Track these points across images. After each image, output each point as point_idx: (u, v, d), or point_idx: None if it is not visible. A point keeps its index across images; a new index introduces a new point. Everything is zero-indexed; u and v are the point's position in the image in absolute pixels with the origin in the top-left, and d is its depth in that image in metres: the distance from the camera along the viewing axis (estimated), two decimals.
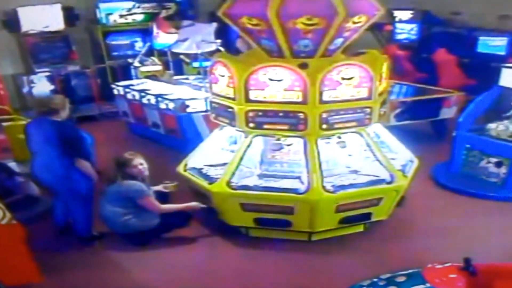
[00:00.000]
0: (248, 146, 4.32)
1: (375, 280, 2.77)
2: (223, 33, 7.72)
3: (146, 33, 9.21)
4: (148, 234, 4.38)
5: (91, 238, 4.55)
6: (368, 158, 4.51)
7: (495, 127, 5.41)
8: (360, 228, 4.52)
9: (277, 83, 4.05)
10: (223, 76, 4.30)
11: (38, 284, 3.77)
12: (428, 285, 2.57)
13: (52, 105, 4.35)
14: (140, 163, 4.42)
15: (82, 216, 4.48)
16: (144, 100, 7.07)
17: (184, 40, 7.60)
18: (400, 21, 10.24)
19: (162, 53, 8.71)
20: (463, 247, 4.03)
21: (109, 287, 3.91)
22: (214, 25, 7.55)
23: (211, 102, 4.64)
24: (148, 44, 8.73)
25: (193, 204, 4.48)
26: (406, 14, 10.24)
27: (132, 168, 4.37)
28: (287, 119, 4.13)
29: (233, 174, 4.29)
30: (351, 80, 4.08)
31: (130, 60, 9.02)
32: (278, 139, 4.39)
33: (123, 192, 4.31)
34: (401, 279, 2.70)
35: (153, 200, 4.37)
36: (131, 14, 9.74)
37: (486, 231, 4.53)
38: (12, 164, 5.68)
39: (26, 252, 3.79)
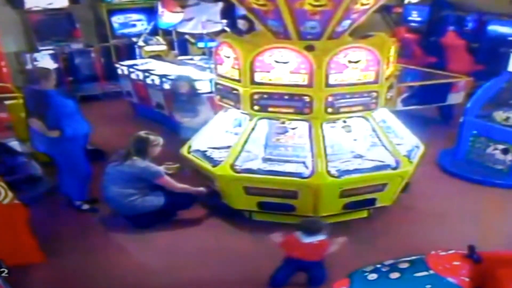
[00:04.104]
0: (253, 129, 4.29)
1: (378, 266, 2.79)
2: (229, 13, 7.61)
3: (151, 12, 9.12)
4: (151, 216, 4.37)
5: (81, 204, 4.74)
6: (373, 143, 4.48)
7: (503, 114, 5.34)
8: (364, 214, 4.51)
9: (283, 65, 4.00)
10: (228, 57, 4.24)
11: (40, 265, 3.80)
12: (431, 272, 2.58)
13: (33, 74, 4.69)
14: (161, 145, 4.47)
15: (68, 181, 4.65)
16: (148, 80, 7.00)
17: (190, 19, 7.53)
18: (410, 4, 10.06)
19: (167, 33, 8.63)
20: (468, 234, 4.01)
21: (111, 269, 3.90)
22: (220, 4, 7.45)
23: (216, 84, 4.59)
24: (152, 23, 8.63)
25: (202, 189, 4.49)
26: None
27: (154, 147, 4.38)
28: (293, 102, 4.09)
29: (237, 157, 4.26)
30: (358, 64, 4.02)
31: (134, 39, 8.94)
32: (283, 123, 4.34)
33: (137, 172, 4.27)
34: (404, 265, 2.71)
35: (169, 178, 4.39)
36: None
37: (491, 219, 4.52)
38: (15, 143, 5.66)
39: (28, 232, 3.82)
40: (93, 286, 3.70)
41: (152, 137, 4.41)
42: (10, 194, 3.84)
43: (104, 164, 4.58)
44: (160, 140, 4.47)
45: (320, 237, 3.47)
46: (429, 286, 2.54)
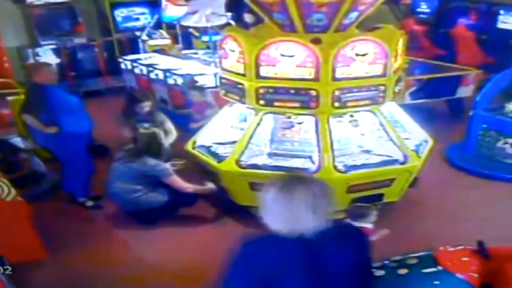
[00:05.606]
0: (258, 124, 4.22)
1: (385, 262, 2.71)
2: (234, 5, 7.52)
3: (154, 5, 9.03)
4: (156, 213, 4.33)
5: (85, 201, 4.69)
6: (381, 137, 4.40)
7: None
8: None
9: (289, 59, 3.93)
10: (233, 51, 4.17)
11: (43, 262, 3.77)
12: (440, 268, 2.50)
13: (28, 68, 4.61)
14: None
15: (70, 178, 4.59)
16: (152, 75, 6.95)
17: (194, 12, 7.44)
18: None
19: (170, 26, 8.54)
20: (477, 230, 3.89)
21: (115, 265, 3.86)
22: None
23: (221, 78, 4.51)
24: (156, 16, 8.55)
25: (211, 186, 4.42)
26: None
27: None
28: (299, 97, 4.02)
29: (242, 152, 4.20)
30: (365, 57, 3.95)
31: (137, 33, 8.87)
32: (289, 117, 4.28)
33: (147, 170, 4.24)
34: (412, 261, 2.63)
35: (178, 178, 4.34)
36: None
37: (501, 214, 4.43)
38: (17, 140, 5.61)
39: (31, 229, 3.81)
40: (97, 283, 3.66)
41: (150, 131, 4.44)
42: (13, 191, 3.83)
43: (108, 160, 4.53)
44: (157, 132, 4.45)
45: (363, 224, 3.39)
46: (437, 282, 2.47)
